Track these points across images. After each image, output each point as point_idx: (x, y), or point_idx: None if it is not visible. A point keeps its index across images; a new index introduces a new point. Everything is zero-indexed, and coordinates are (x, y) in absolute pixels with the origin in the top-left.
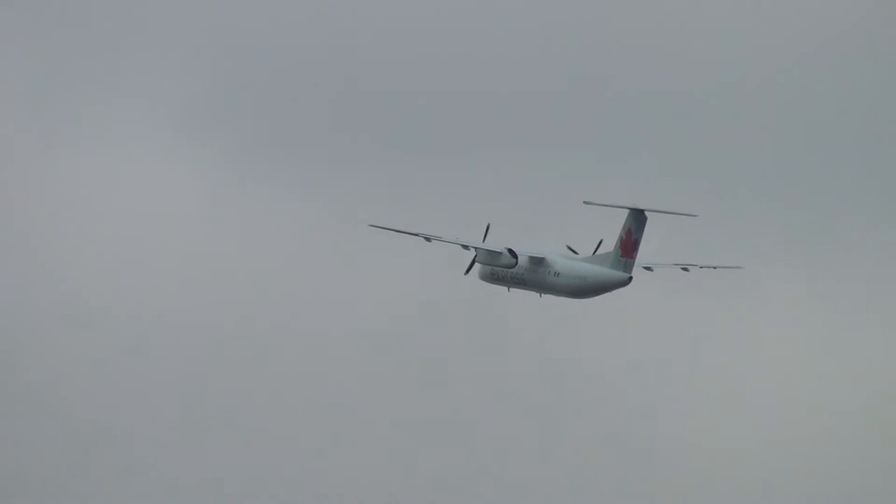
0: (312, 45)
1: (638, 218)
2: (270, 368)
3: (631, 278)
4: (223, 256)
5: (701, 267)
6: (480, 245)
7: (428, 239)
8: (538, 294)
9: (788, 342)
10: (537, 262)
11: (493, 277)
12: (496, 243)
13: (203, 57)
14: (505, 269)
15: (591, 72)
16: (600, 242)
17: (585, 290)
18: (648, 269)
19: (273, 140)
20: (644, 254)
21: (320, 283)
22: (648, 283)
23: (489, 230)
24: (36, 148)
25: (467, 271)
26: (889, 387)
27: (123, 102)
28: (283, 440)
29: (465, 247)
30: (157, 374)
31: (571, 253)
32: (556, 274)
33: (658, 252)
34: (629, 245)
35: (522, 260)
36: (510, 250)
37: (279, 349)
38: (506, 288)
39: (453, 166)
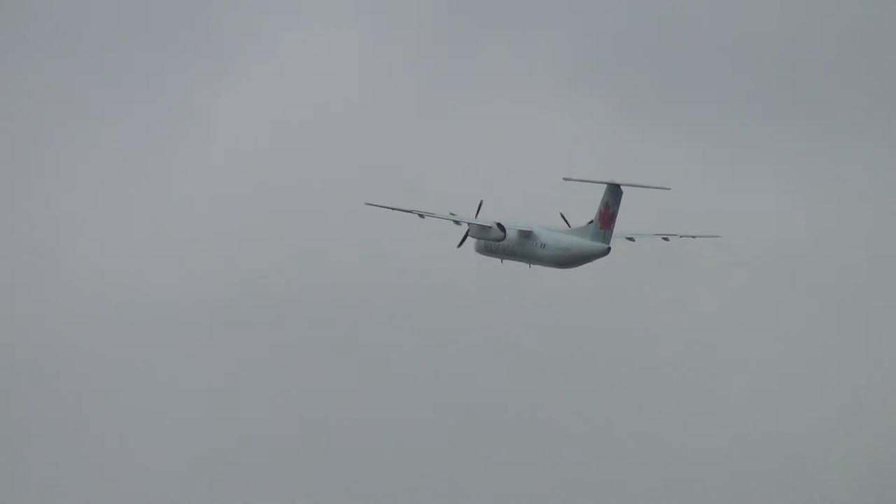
0: None
1: (614, 192)
2: None
3: (609, 249)
4: None
5: (681, 236)
6: (472, 220)
7: (421, 216)
8: (528, 265)
9: (765, 307)
10: (526, 234)
11: (486, 250)
12: (487, 218)
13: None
14: (496, 242)
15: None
16: (591, 222)
17: (569, 260)
18: (631, 239)
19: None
20: (627, 225)
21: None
22: (631, 252)
23: (481, 206)
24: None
25: (460, 244)
26: (865, 350)
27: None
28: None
29: (457, 222)
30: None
31: (563, 223)
32: (543, 245)
33: (639, 223)
34: (607, 218)
35: (512, 233)
36: (499, 224)
37: None
38: (499, 260)
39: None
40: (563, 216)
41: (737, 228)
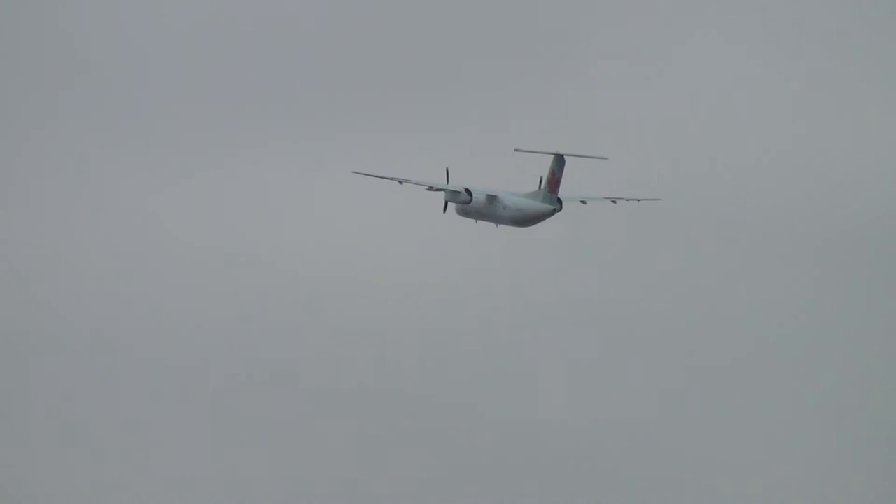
0: None
1: (559, 161)
2: None
3: (555, 209)
4: None
5: (627, 199)
6: (445, 187)
7: (400, 182)
8: (496, 225)
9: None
10: (492, 198)
11: (463, 212)
12: (457, 184)
13: None
14: (470, 205)
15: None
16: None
17: (523, 219)
18: (583, 202)
19: None
20: (580, 189)
21: None
22: (584, 213)
23: (449, 173)
24: None
25: (444, 210)
26: (807, 300)
27: None
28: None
29: (431, 188)
30: None
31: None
32: (504, 207)
33: (588, 187)
34: (553, 183)
35: (480, 197)
36: (467, 189)
37: None
38: (474, 220)
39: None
40: (541, 180)
41: (677, 191)
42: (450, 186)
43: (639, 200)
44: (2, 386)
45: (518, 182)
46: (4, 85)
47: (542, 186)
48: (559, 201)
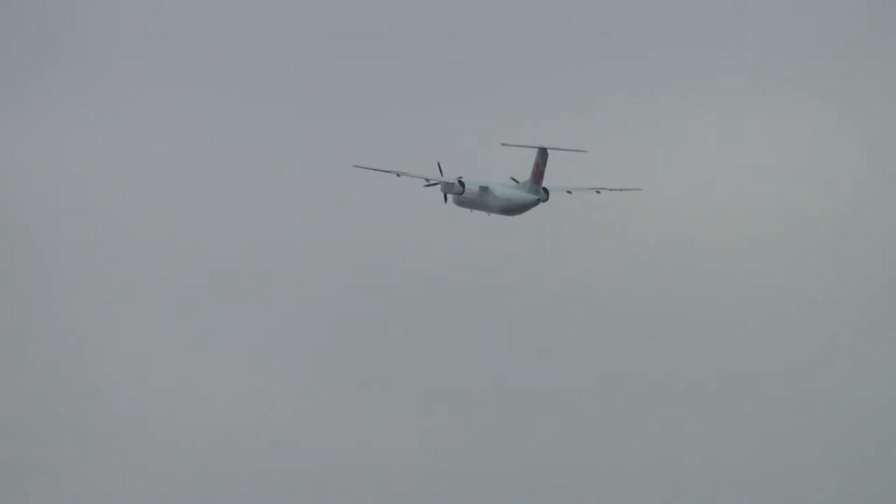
0: None
1: (542, 154)
2: None
3: (539, 199)
4: None
5: (610, 190)
6: (441, 179)
7: (398, 175)
8: (487, 214)
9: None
10: (484, 189)
11: (459, 202)
12: (451, 176)
13: None
14: (464, 195)
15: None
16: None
17: (511, 208)
18: (569, 192)
19: None
20: (565, 180)
21: None
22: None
23: (441, 166)
24: None
25: (445, 200)
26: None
27: None
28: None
29: (427, 180)
30: None
31: (512, 182)
32: (495, 198)
33: (573, 178)
34: (538, 174)
35: (472, 188)
36: (460, 181)
37: None
38: (469, 210)
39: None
40: (513, 178)
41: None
42: (445, 178)
43: (621, 190)
44: None
45: (509, 174)
46: None
47: (529, 178)
48: (545, 191)
